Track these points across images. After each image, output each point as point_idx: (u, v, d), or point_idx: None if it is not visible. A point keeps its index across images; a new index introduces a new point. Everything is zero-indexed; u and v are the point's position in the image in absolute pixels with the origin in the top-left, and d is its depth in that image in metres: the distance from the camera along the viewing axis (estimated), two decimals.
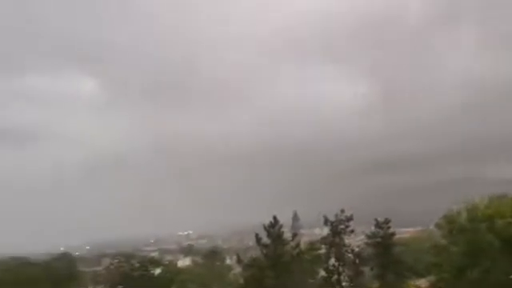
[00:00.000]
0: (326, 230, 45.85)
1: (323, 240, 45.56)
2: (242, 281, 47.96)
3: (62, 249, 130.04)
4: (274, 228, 42.48)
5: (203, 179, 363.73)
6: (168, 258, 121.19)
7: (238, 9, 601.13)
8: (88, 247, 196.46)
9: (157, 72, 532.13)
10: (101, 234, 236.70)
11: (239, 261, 49.14)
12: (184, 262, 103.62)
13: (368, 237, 46.57)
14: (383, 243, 44.78)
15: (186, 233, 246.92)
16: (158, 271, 69.30)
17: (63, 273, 69.60)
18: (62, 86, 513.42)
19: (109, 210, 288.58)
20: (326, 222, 44.44)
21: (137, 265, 67.79)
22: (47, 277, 65.51)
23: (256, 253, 46.77)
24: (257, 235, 43.47)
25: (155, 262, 73.54)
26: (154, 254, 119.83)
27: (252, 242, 56.89)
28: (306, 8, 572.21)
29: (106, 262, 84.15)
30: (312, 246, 47.40)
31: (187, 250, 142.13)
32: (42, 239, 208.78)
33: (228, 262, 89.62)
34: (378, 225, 45.43)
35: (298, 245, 43.51)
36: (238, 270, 62.01)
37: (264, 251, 42.84)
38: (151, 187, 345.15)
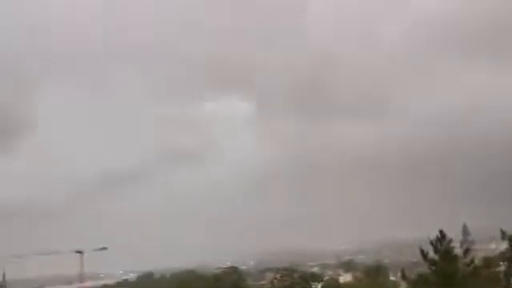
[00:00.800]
0: (503, 245, 41.17)
1: (502, 256, 40.88)
2: None
3: (228, 263, 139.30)
4: (441, 243, 39.37)
5: (357, 192, 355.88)
6: (328, 272, 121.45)
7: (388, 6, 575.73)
8: (252, 262, 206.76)
9: (298, 84, 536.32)
10: (262, 248, 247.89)
11: (404, 277, 46.60)
12: (345, 278, 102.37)
13: None
14: None
15: (343, 247, 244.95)
16: (319, 286, 69.74)
17: (232, 286, 74.11)
18: (222, 110, 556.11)
19: (265, 226, 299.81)
20: (504, 235, 39.86)
21: (299, 279, 69.11)
22: None
23: (421, 269, 43.92)
24: (422, 251, 40.70)
25: (316, 277, 74.15)
26: (314, 269, 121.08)
27: (413, 256, 53.72)
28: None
29: (270, 276, 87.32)
30: (488, 262, 42.86)
31: (346, 265, 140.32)
32: (208, 254, 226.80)
33: (392, 277, 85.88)
34: None
35: (472, 261, 39.62)
36: (403, 286, 59.02)
37: (432, 267, 39.91)
38: (308, 201, 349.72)
